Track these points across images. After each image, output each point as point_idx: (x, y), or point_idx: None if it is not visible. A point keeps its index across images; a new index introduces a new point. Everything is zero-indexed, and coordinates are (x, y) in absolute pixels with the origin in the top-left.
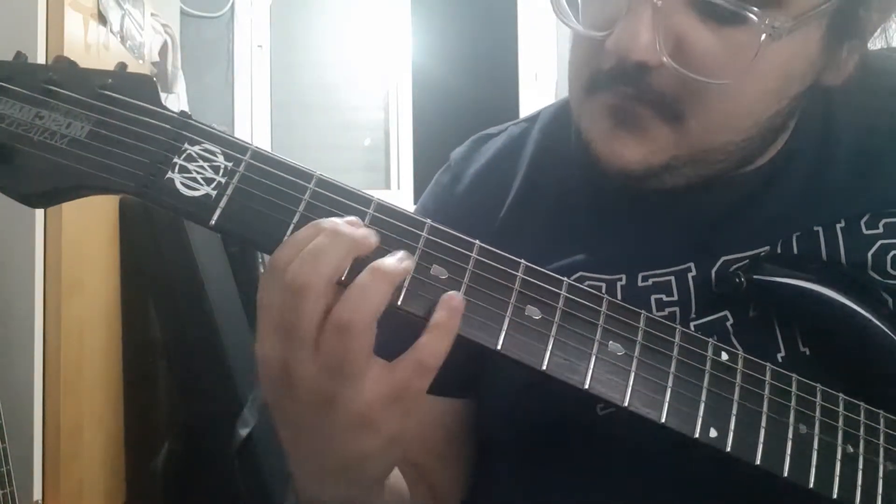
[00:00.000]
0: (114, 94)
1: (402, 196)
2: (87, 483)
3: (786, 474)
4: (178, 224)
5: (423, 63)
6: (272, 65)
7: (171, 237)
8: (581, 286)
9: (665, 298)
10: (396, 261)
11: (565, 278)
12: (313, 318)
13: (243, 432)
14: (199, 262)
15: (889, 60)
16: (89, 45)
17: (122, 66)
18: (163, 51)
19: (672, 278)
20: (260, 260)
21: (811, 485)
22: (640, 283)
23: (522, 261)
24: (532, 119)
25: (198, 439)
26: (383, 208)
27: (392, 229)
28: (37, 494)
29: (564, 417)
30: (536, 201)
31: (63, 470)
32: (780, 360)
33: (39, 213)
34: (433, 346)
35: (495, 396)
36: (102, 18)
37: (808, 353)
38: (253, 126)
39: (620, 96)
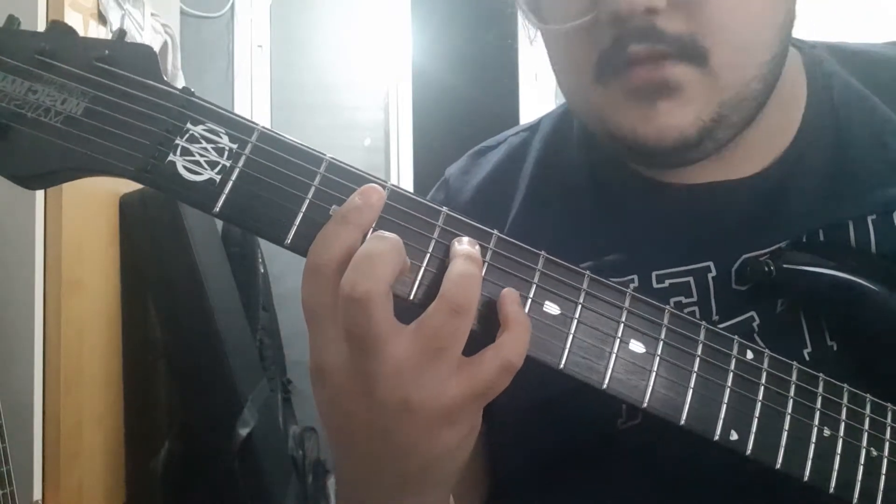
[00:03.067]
0: (111, 68)
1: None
2: (87, 483)
3: (806, 478)
4: (178, 224)
5: (423, 63)
6: (272, 65)
7: (171, 237)
8: (603, 280)
9: (684, 300)
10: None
11: (587, 272)
12: (384, 323)
13: (243, 432)
14: (199, 262)
15: (888, 49)
16: None
17: (121, 33)
18: (163, 51)
19: (691, 279)
20: (260, 259)
21: (832, 490)
22: (655, 285)
23: (542, 252)
24: (532, 128)
25: (198, 439)
26: (398, 195)
27: (407, 219)
28: (37, 494)
29: (583, 433)
30: (542, 210)
31: (63, 470)
32: (806, 356)
33: (39, 211)
34: (518, 344)
35: (508, 413)
36: (102, 18)
37: (835, 347)
38: None
39: (636, 63)
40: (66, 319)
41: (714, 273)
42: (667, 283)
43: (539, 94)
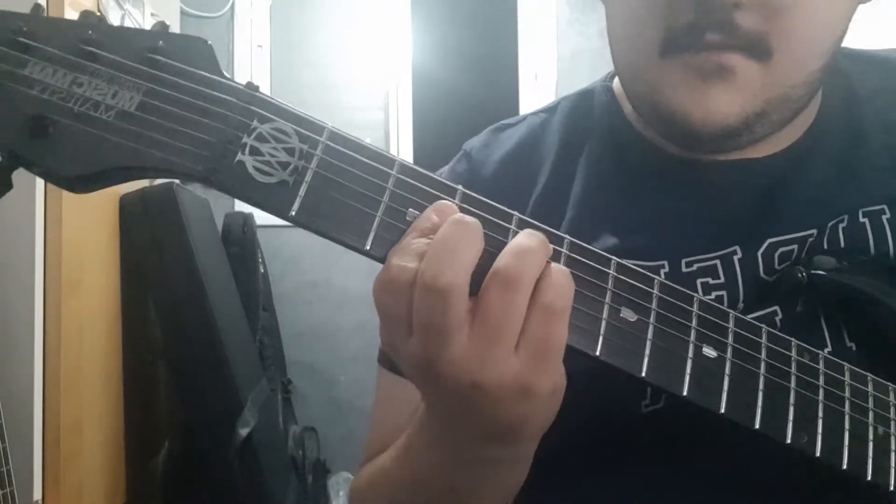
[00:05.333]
0: (166, 60)
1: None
2: (87, 483)
3: (869, 477)
4: (178, 224)
5: (423, 63)
6: (272, 65)
7: (171, 237)
8: (672, 284)
9: (711, 281)
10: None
11: (657, 276)
12: (460, 314)
13: (243, 432)
14: (199, 262)
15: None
16: None
17: (163, 25)
18: None
19: (718, 262)
20: (260, 259)
21: (892, 486)
22: (684, 270)
23: (613, 258)
24: (551, 109)
25: (198, 439)
26: (469, 198)
27: (481, 222)
28: (37, 494)
29: (606, 415)
30: (567, 187)
31: (63, 470)
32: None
33: (39, 212)
34: (554, 285)
35: None
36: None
37: (854, 348)
38: None
39: (705, 49)
40: (66, 319)
41: (740, 256)
42: (695, 266)
43: (539, 93)
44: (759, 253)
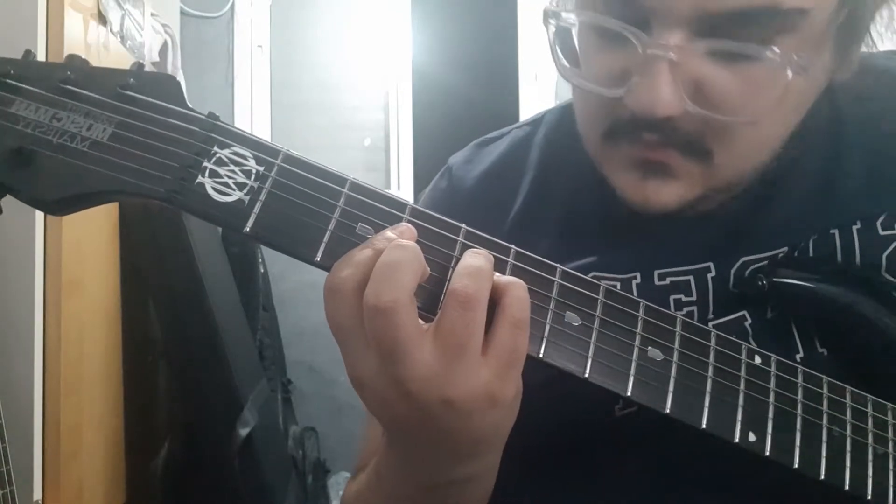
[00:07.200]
0: (136, 95)
1: (402, 196)
2: (87, 483)
3: (822, 477)
4: (179, 224)
5: (423, 63)
6: (272, 65)
7: (171, 237)
8: (618, 291)
9: (684, 298)
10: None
11: (602, 283)
12: (410, 330)
13: (243, 432)
14: (199, 262)
15: (891, 61)
16: (89, 45)
17: (139, 65)
18: (163, 51)
19: (691, 277)
20: (260, 259)
21: (846, 486)
22: (657, 282)
23: (559, 266)
24: (535, 122)
25: (198, 439)
26: (418, 213)
27: (428, 236)
28: (37, 494)
29: (579, 418)
30: (547, 205)
31: (63, 470)
32: (798, 360)
33: (39, 213)
34: (517, 299)
35: None
36: (102, 18)
37: (825, 353)
38: (253, 126)
39: (644, 145)
40: (66, 319)
41: (713, 273)
42: (668, 280)
43: (539, 93)
44: (732, 271)
